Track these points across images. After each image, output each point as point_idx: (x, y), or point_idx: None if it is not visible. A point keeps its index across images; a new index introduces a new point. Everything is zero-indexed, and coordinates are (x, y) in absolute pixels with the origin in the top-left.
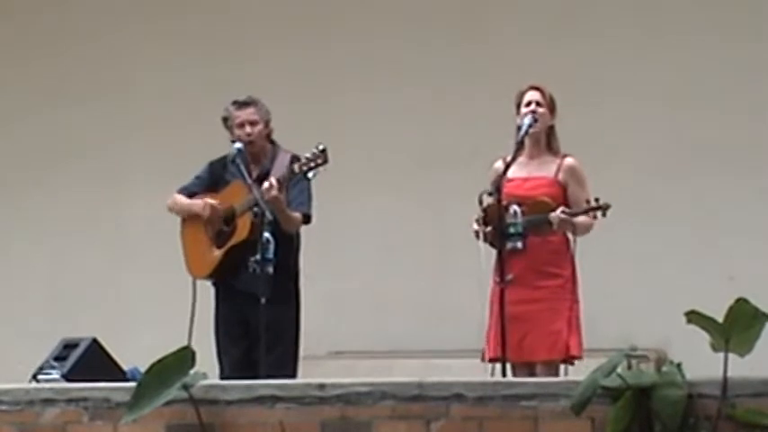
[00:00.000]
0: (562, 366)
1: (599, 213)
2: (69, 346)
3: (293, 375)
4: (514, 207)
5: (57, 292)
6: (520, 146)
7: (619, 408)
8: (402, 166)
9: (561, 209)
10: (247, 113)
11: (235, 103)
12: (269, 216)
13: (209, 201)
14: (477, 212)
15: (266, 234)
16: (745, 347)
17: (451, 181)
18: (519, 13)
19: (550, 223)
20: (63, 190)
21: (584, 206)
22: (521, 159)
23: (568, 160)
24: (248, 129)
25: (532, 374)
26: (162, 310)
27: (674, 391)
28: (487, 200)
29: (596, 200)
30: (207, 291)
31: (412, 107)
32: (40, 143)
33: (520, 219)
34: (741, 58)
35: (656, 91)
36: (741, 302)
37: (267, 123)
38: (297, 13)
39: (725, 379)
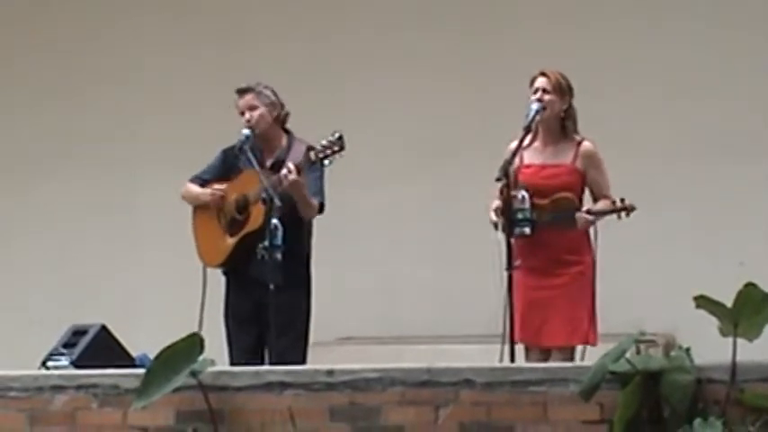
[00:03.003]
0: (579, 351)
1: (623, 214)
2: (78, 332)
3: (303, 362)
4: (522, 193)
5: (66, 279)
6: (526, 132)
7: (627, 393)
8: (411, 153)
9: (586, 209)
10: (246, 100)
11: (236, 90)
12: (277, 202)
13: (216, 187)
14: (496, 202)
15: (274, 220)
16: (753, 332)
17: (460, 168)
18: (522, 4)
19: (574, 221)
20: (71, 178)
21: (610, 206)
22: (536, 145)
23: (585, 145)
24: (247, 115)
25: (546, 360)
26: (171, 297)
27: (682, 376)
28: (505, 193)
29: (622, 200)
30: (215, 278)
31: (413, 99)
32: (48, 132)
33: (528, 204)
34: (745, 46)
35: (661, 77)
36: (750, 287)
37: (273, 107)
38: (299, 6)
39: (734, 363)
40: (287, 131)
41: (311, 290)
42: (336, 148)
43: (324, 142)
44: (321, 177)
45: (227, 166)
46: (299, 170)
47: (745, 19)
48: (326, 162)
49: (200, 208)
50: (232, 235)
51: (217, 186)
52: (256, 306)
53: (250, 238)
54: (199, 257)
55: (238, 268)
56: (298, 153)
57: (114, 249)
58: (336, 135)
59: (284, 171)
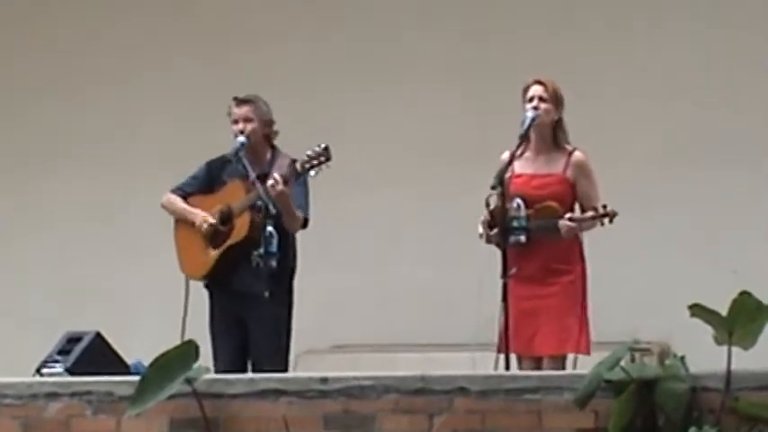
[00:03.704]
0: (569, 361)
1: (606, 220)
2: (73, 339)
3: (285, 371)
4: (518, 201)
5: (61, 285)
6: (522, 141)
7: (622, 401)
8: (404, 160)
9: (569, 216)
10: (243, 111)
11: (235, 99)
12: (272, 210)
13: (209, 219)
14: (484, 214)
15: (269, 228)
16: (748, 340)
17: (454, 174)
18: (521, 6)
19: (558, 228)
20: (67, 183)
21: (592, 213)
22: (527, 155)
23: (576, 155)
24: (240, 125)
25: (539, 369)
26: (166, 305)
27: (677, 385)
28: (494, 202)
29: (604, 206)
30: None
31: (412, 101)
32: (47, 132)
33: (523, 212)
34: (744, 50)
35: (658, 83)
36: (744, 296)
37: (266, 124)
38: (299, 6)
39: (728, 372)
40: (272, 146)
41: (293, 303)
42: (323, 159)
43: (310, 153)
44: (305, 192)
45: (210, 178)
46: (285, 181)
47: (743, 23)
48: (312, 173)
49: (182, 221)
50: (215, 247)
51: (207, 216)
52: (239, 317)
53: (234, 249)
54: (180, 270)
55: (221, 280)
56: (281, 166)
57: (109, 256)
58: (323, 146)
59: (271, 181)
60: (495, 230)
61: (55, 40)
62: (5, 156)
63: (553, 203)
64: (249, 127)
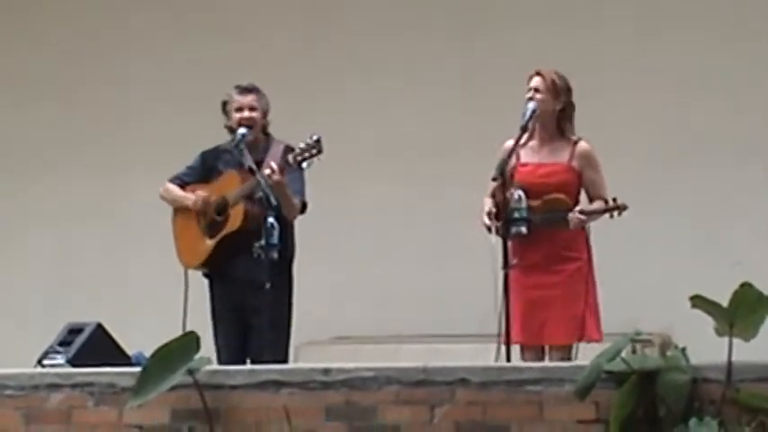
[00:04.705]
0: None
1: (615, 213)
2: (74, 331)
3: (286, 361)
4: (519, 192)
5: (62, 277)
6: (522, 131)
7: (623, 392)
8: (405, 152)
9: (579, 209)
10: (249, 99)
11: (237, 87)
12: (273, 201)
13: (202, 194)
14: (488, 205)
15: (270, 219)
16: (749, 332)
17: (453, 166)
18: (521, 5)
19: (567, 221)
20: (68, 178)
21: (602, 206)
22: (532, 144)
23: (581, 145)
24: (246, 113)
25: (541, 358)
26: (167, 296)
27: (678, 376)
28: (500, 193)
29: (614, 200)
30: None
31: (411, 94)
32: (43, 132)
33: (524, 204)
34: (743, 47)
35: (659, 79)
36: (746, 287)
37: (265, 114)
38: (298, 2)
39: (729, 363)
40: (266, 134)
41: (293, 291)
42: (314, 151)
43: (302, 145)
44: (301, 177)
45: (206, 168)
46: (281, 169)
47: (743, 23)
48: (305, 165)
49: (180, 210)
50: (211, 237)
51: (200, 192)
52: (240, 305)
53: (229, 238)
54: (178, 259)
55: (221, 269)
56: (275, 154)
57: (110, 248)
58: (314, 138)
59: (267, 171)
60: (501, 222)
61: (55, 41)
62: (3, 156)
63: (562, 195)
64: (255, 115)
